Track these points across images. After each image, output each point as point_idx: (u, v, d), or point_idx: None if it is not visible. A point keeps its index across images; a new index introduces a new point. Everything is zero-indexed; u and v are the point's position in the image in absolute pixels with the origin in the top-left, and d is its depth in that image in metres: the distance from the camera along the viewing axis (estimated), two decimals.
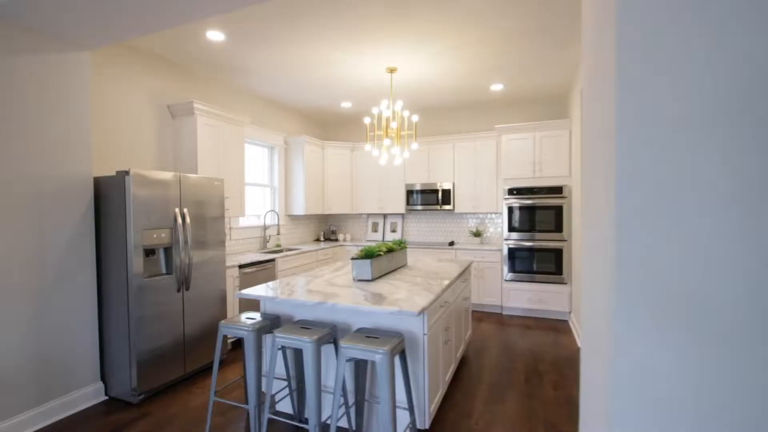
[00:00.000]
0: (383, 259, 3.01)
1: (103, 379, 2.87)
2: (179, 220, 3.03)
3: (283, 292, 2.43)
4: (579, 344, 3.91)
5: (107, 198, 2.81)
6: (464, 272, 3.45)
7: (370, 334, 2.08)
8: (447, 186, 5.44)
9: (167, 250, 3.02)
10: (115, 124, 3.31)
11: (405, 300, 2.22)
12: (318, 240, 6.22)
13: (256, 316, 2.45)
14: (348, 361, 1.94)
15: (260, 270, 4.11)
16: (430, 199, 5.52)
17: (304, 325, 2.22)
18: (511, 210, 4.90)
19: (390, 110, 3.80)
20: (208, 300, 3.34)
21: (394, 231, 6.03)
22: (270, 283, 2.73)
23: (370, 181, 5.93)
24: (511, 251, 4.90)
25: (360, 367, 2.27)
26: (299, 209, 5.44)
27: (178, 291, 3.06)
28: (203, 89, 4.17)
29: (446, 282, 2.74)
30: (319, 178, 5.75)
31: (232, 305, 3.74)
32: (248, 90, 4.72)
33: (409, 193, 5.65)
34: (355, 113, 5.87)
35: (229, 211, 4.02)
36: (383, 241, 6.02)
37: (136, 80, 3.48)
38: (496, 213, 5.56)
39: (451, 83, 4.51)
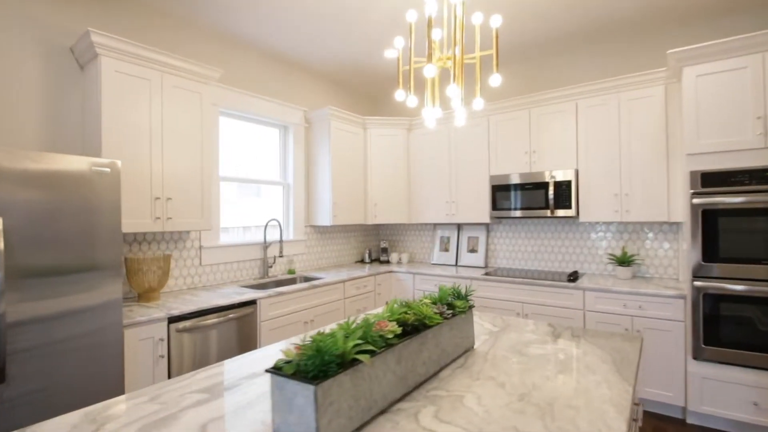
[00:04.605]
0: (388, 359, 1.00)
1: None
2: None
3: None
4: None
5: None
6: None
7: None
8: (565, 176, 3.15)
9: None
10: None
11: None
12: (362, 261, 4.37)
13: None
14: None
15: (224, 321, 2.39)
16: (534, 199, 3.28)
17: None
18: (708, 218, 2.44)
19: (439, 3, 1.78)
20: (70, 397, 1.70)
21: (473, 251, 3.88)
22: None
23: (436, 175, 3.89)
24: (708, 301, 2.43)
25: None
26: (324, 218, 3.66)
27: None
28: (157, 36, 2.65)
29: None
30: (358, 171, 3.91)
31: None
32: (233, 35, 3.12)
33: (497, 189, 3.47)
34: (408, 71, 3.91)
35: (171, 221, 2.40)
36: (456, 265, 3.91)
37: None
38: (667, 223, 3.07)
39: None
